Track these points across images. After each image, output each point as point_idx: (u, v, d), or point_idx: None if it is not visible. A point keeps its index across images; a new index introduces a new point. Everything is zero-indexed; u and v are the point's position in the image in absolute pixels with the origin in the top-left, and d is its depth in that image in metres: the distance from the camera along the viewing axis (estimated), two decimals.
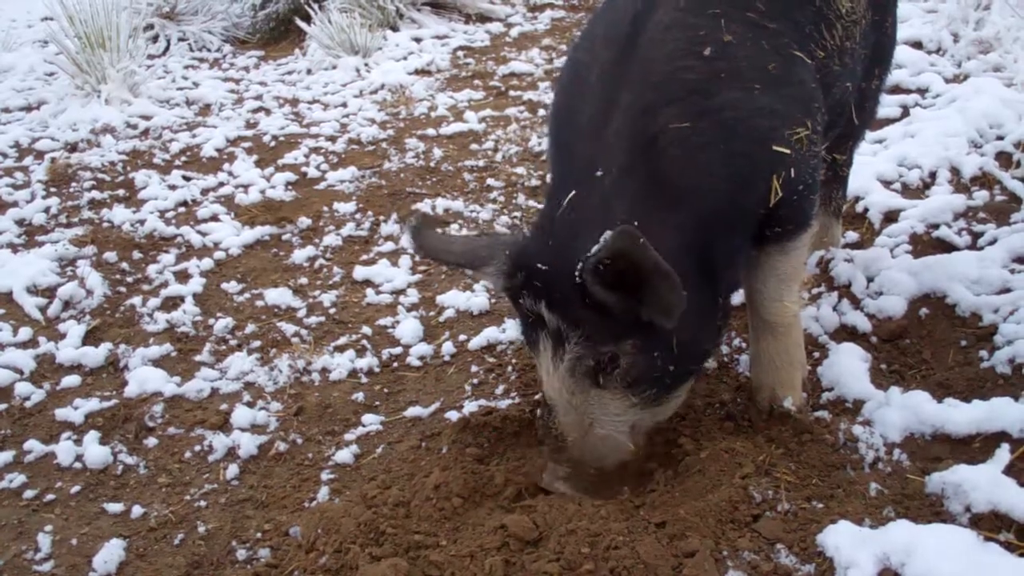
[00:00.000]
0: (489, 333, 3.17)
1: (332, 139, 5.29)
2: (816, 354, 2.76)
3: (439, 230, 2.37)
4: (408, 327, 3.29)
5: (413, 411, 2.88)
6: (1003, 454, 2.20)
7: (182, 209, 4.49)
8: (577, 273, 1.98)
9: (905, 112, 4.72)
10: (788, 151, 2.16)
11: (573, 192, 2.09)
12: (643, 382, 2.14)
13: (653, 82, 2.13)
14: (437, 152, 4.94)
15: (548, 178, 2.43)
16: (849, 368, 2.60)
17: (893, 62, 3.06)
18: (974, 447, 2.32)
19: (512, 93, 5.96)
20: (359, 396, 3.00)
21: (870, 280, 3.05)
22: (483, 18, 8.06)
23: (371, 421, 2.87)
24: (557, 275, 2.05)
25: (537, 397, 2.66)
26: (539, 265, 2.07)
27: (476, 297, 3.39)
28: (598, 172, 2.08)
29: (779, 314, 2.44)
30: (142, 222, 4.30)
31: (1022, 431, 2.29)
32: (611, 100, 2.13)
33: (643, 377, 2.13)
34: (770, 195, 2.18)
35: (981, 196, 3.68)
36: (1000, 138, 4.13)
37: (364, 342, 3.28)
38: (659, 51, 2.15)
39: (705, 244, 2.11)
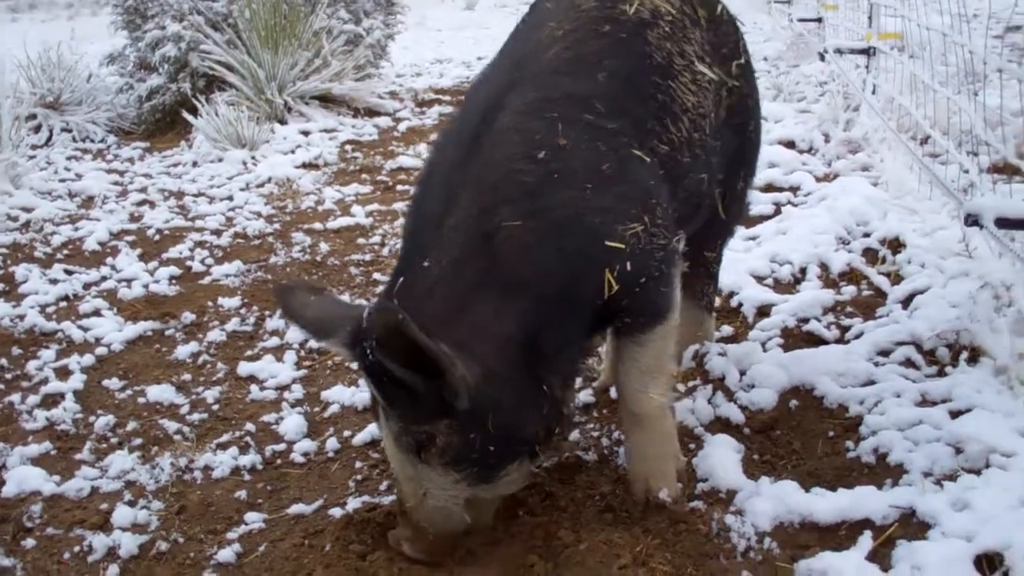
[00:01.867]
0: (374, 428, 3.17)
1: (217, 233, 5.29)
2: (692, 445, 2.84)
3: (311, 295, 2.42)
4: (292, 423, 3.28)
5: (296, 508, 2.86)
6: (866, 541, 2.29)
7: (63, 304, 4.42)
8: (368, 353, 2.10)
9: (778, 210, 4.92)
10: (622, 246, 2.28)
11: (401, 279, 2.23)
12: (462, 461, 2.22)
13: (490, 182, 2.25)
14: (324, 246, 4.97)
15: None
16: (722, 459, 2.68)
17: (759, 164, 3.21)
18: (840, 534, 2.40)
19: (400, 187, 6.04)
20: (242, 494, 2.97)
21: (743, 373, 3.15)
22: (372, 112, 8.18)
23: (254, 519, 2.84)
24: (386, 358, 2.10)
25: None
26: (374, 344, 2.13)
27: (361, 392, 3.40)
28: (426, 263, 2.20)
29: (644, 406, 2.52)
30: (22, 317, 4.22)
31: (885, 518, 2.39)
32: (452, 197, 2.25)
33: (461, 457, 2.21)
34: (604, 288, 2.28)
35: (849, 291, 3.85)
36: (867, 235, 4.33)
37: (247, 439, 3.26)
38: (498, 153, 2.28)
39: (531, 334, 2.21)
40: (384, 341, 2.02)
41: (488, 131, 2.31)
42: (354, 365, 2.41)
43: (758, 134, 3.13)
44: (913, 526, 2.38)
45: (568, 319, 2.33)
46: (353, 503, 2.81)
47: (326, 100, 8.25)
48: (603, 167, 2.32)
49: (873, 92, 6.53)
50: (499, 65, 2.60)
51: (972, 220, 2.76)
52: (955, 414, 2.80)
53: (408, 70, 11.85)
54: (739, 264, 4.07)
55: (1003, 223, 2.73)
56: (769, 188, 5.25)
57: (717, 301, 3.72)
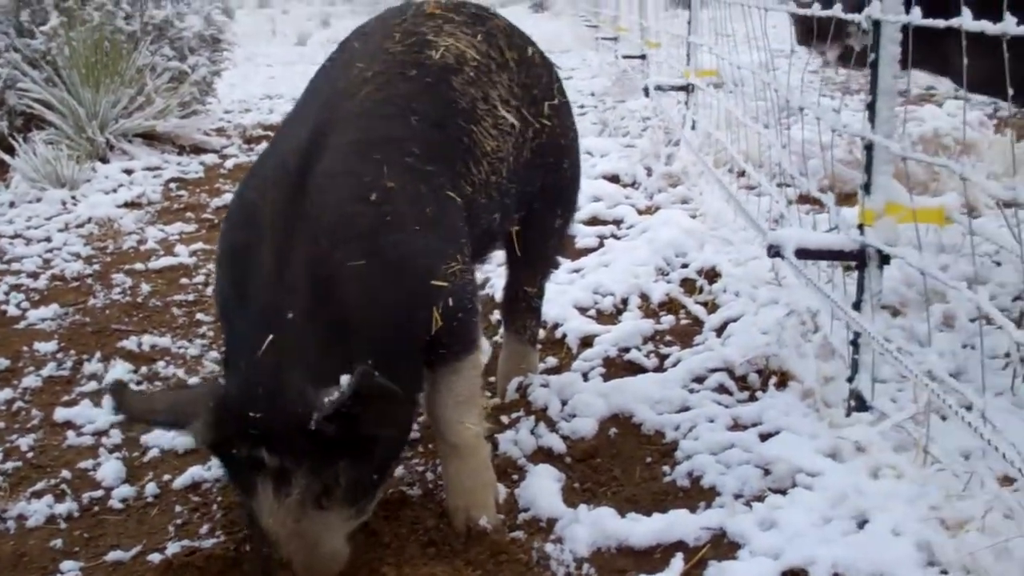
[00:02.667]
0: (194, 471, 3.12)
1: (34, 275, 5.11)
2: (515, 476, 2.88)
3: (140, 391, 2.38)
4: (110, 469, 3.19)
5: (114, 555, 2.78)
6: (678, 563, 2.37)
7: None
8: (313, 420, 2.06)
9: (601, 242, 5.05)
10: (446, 284, 2.38)
11: (270, 337, 2.16)
12: (358, 492, 2.26)
13: (325, 226, 2.25)
14: (145, 287, 4.86)
15: (225, 323, 2.47)
16: (543, 488, 2.73)
17: (583, 198, 3.31)
18: (655, 558, 2.47)
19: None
20: (57, 543, 2.87)
21: (565, 403, 3.22)
22: (197, 149, 8.06)
23: (70, 568, 2.75)
24: (275, 419, 2.10)
25: (245, 534, 2.65)
26: (252, 413, 2.11)
27: (182, 436, 3.34)
28: (288, 315, 2.17)
29: (462, 436, 2.58)
30: None
31: (697, 540, 2.48)
32: (286, 243, 2.23)
33: (358, 487, 2.25)
34: (432, 324, 2.37)
35: (668, 320, 3.98)
36: (685, 266, 4.49)
37: (63, 486, 3.16)
38: (329, 197, 2.29)
39: (388, 370, 2.23)
40: (354, 402, 2.03)
41: (312, 173, 2.31)
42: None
43: (574, 172, 3.22)
44: (724, 546, 2.46)
45: (405, 355, 2.37)
46: (173, 548, 2.75)
47: (150, 138, 8.10)
48: (427, 209, 2.40)
49: (692, 127, 6.77)
50: (310, 105, 2.61)
51: (774, 251, 2.89)
52: (764, 437, 2.92)
53: (236, 106, 11.70)
54: (564, 296, 4.17)
55: (803, 253, 2.87)
56: (594, 221, 5.38)
57: (542, 333, 3.80)
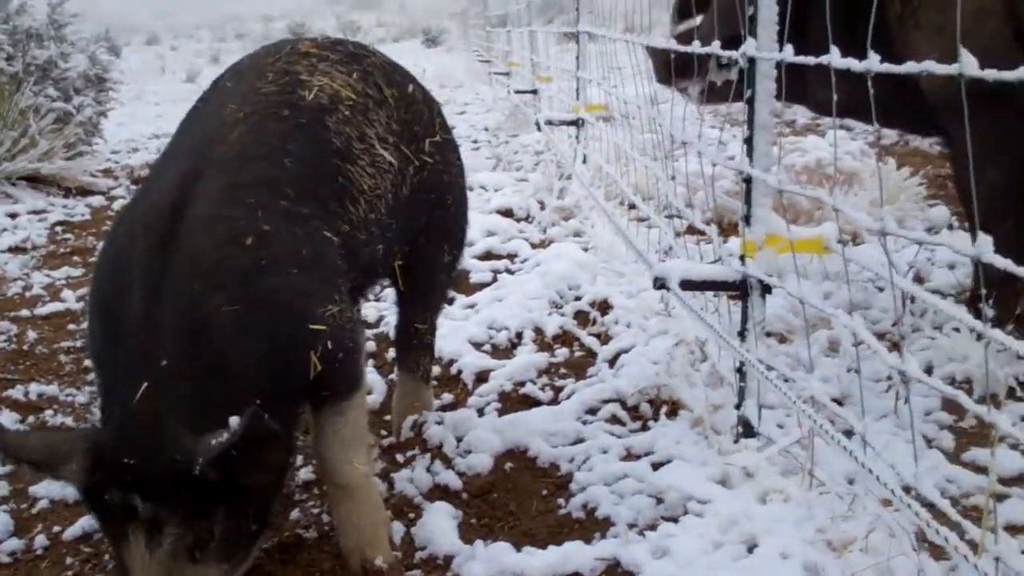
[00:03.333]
0: (85, 522, 3.05)
1: None
2: (411, 514, 2.88)
3: (18, 431, 2.32)
4: None
5: None
6: None
7: None
8: (197, 464, 2.04)
9: (496, 277, 5.08)
10: (324, 327, 2.37)
11: (145, 384, 2.13)
12: (233, 544, 2.22)
13: (199, 272, 2.24)
14: (31, 334, 4.74)
15: (98, 370, 2.43)
16: (439, 526, 2.73)
17: (478, 233, 3.32)
18: None
19: None
20: None
21: (460, 439, 3.23)
22: (84, 191, 7.93)
23: None
24: (150, 467, 2.07)
25: None
26: (126, 459, 2.08)
27: (61, 482, 3.26)
28: (163, 362, 2.14)
29: (350, 476, 2.57)
30: None
31: (592, 571, 2.50)
32: (159, 290, 2.20)
33: (234, 539, 2.21)
34: (310, 368, 2.36)
35: (562, 353, 4.02)
36: (578, 298, 4.54)
37: None
38: (202, 242, 2.27)
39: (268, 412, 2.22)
40: (242, 447, 2.01)
41: (183, 218, 2.29)
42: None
43: (459, 207, 3.23)
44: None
45: (284, 399, 2.35)
46: None
47: (35, 180, 7.93)
48: (303, 251, 2.39)
49: (584, 161, 6.87)
50: (181, 147, 2.60)
51: (660, 283, 2.96)
52: (656, 466, 2.97)
53: (124, 146, 11.53)
54: (458, 332, 4.19)
55: (687, 285, 2.94)
56: (488, 256, 5.41)
57: (437, 370, 3.81)
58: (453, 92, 16.75)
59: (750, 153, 2.82)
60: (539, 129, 8.26)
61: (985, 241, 1.74)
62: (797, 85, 3.50)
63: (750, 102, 2.79)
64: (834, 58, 2.24)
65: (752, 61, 2.77)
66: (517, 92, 10.89)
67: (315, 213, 2.49)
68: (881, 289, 4.29)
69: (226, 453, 2.02)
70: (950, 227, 5.41)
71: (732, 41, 3.63)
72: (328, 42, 2.94)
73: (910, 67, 1.95)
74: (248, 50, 3.34)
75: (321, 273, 2.44)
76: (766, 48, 2.71)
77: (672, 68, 3.76)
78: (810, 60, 2.38)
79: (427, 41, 38.78)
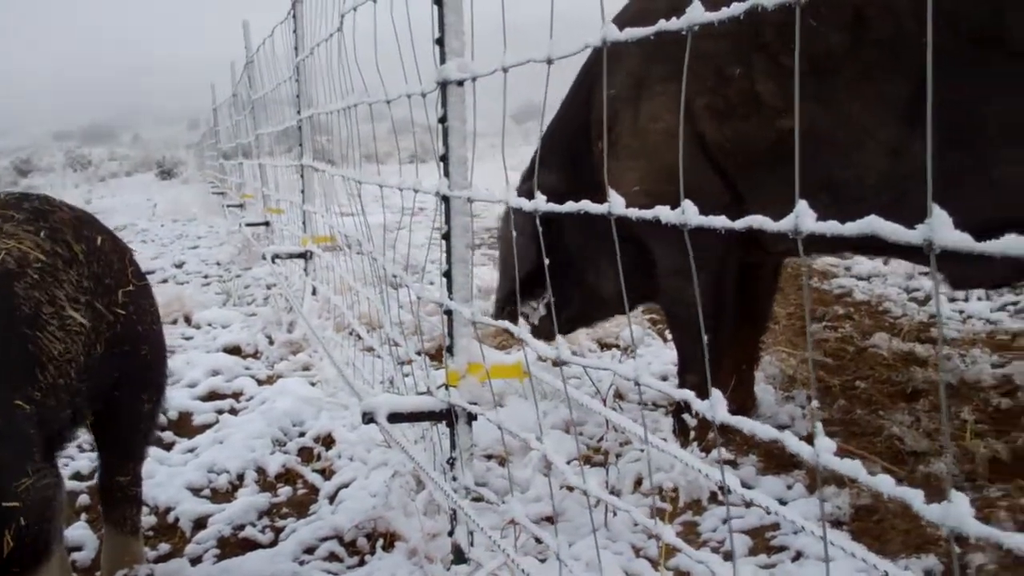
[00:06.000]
0: None
1: None
2: None
3: None
4: None
5: None
6: None
7: None
8: None
9: (218, 418, 4.98)
10: (18, 503, 2.26)
11: None
12: None
13: None
14: None
15: None
16: None
17: (164, 383, 3.23)
18: None
19: None
20: None
21: None
22: None
23: None
24: None
25: None
26: None
27: None
28: None
29: None
30: None
31: None
32: None
33: None
34: (3, 547, 2.24)
35: (285, 492, 3.98)
36: (302, 434, 4.52)
37: None
38: None
39: None
40: None
41: None
42: None
43: (156, 355, 3.15)
44: None
45: None
46: None
47: None
48: None
49: (314, 293, 6.88)
50: None
51: (368, 418, 2.99)
52: None
53: None
54: (176, 479, 4.08)
55: (395, 417, 2.98)
56: (212, 396, 5.31)
57: (154, 519, 3.70)
58: (186, 226, 16.46)
59: (449, 286, 2.91)
60: (273, 262, 8.22)
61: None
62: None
63: (446, 237, 2.90)
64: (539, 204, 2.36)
65: (446, 199, 2.88)
66: (249, 225, 10.83)
67: (4, 383, 2.38)
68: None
69: None
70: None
71: (513, 293, 3.99)
72: (12, 199, 2.83)
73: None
74: None
75: (14, 446, 2.32)
76: (457, 187, 2.83)
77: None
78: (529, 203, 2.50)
79: (161, 173, 37.97)
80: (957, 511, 1.04)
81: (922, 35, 3.06)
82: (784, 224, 1.17)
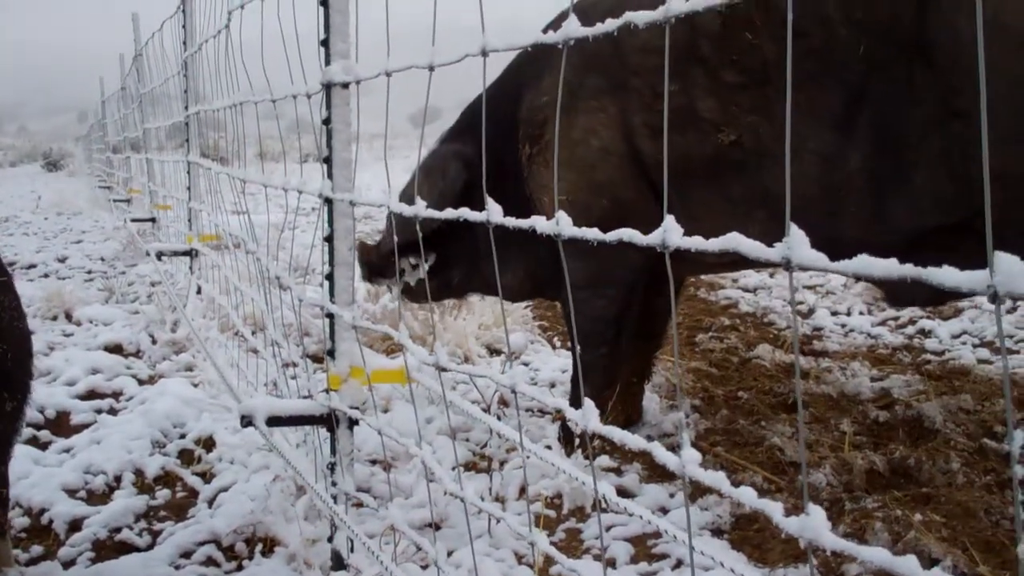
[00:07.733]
0: None
1: None
2: None
3: None
4: None
5: None
6: None
7: None
8: None
9: (97, 418, 4.86)
10: None
11: None
12: None
13: None
14: None
15: None
16: None
17: (29, 382, 3.11)
18: None
19: None
20: None
21: None
22: None
23: None
24: None
25: None
26: None
27: None
28: None
29: None
30: None
31: None
32: None
33: None
34: None
35: (164, 494, 3.89)
36: (183, 436, 4.43)
37: None
38: None
39: None
40: None
41: None
42: None
43: (18, 354, 2.97)
44: None
45: None
46: None
47: None
48: None
49: (198, 292, 6.77)
50: None
51: (247, 421, 2.94)
52: None
53: None
54: (51, 479, 3.96)
55: (274, 421, 2.94)
56: (91, 395, 5.17)
57: (27, 521, 3.61)
58: (71, 220, 16.06)
59: (331, 289, 2.89)
60: (159, 258, 8.05)
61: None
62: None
63: (329, 240, 2.88)
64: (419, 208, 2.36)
65: (329, 201, 2.86)
66: (134, 221, 10.60)
67: None
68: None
69: None
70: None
71: (409, 245, 3.94)
72: None
73: (521, 222, 1.95)
74: None
75: None
76: (341, 190, 2.81)
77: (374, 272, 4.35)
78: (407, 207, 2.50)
79: (48, 165, 37.02)
80: (813, 524, 1.07)
81: (855, 43, 3.11)
82: (652, 238, 1.19)
